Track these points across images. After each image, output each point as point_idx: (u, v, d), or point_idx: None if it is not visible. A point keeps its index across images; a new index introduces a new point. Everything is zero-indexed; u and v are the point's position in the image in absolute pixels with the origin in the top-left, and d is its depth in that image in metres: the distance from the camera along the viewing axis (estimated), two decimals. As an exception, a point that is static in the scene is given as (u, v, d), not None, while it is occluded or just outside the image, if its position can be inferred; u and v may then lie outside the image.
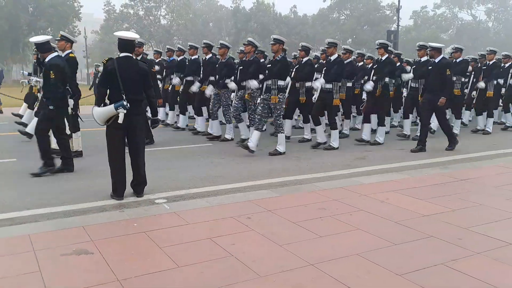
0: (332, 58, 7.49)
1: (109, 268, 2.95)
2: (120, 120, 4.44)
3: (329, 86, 7.41)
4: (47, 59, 5.64)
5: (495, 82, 9.71)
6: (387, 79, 8.17)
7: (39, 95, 6.92)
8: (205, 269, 2.95)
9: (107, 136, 4.62)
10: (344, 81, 8.48)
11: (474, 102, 10.03)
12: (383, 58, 8.10)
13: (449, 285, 2.76)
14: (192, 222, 3.83)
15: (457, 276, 2.86)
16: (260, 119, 7.12)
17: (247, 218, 3.92)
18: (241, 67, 7.90)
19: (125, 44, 4.66)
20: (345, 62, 8.09)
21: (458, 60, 9.23)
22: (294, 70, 8.35)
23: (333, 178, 5.56)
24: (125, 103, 4.44)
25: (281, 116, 7.24)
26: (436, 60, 7.29)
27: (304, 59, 8.27)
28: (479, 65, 10.23)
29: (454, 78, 8.56)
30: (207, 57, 8.84)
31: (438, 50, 7.34)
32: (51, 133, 5.93)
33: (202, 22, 52.00)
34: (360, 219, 3.93)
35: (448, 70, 7.14)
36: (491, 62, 9.73)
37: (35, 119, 7.14)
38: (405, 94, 9.63)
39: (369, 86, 8.02)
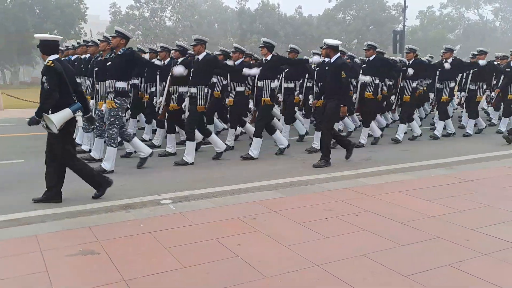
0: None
1: (115, 268, 2.96)
2: (80, 123, 4.40)
3: None
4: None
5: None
6: (377, 81, 8.04)
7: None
8: (210, 269, 2.95)
9: (59, 141, 4.42)
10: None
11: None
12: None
13: (456, 287, 2.74)
14: (197, 223, 3.84)
15: (464, 277, 2.84)
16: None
17: (252, 219, 3.92)
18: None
19: (54, 46, 4.57)
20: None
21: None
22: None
23: (338, 179, 5.55)
24: (80, 105, 4.40)
25: (117, 126, 5.87)
26: (332, 60, 6.39)
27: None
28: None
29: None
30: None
31: (334, 49, 6.41)
32: None
33: (207, 23, 52.16)
34: (365, 220, 3.91)
35: (343, 72, 6.16)
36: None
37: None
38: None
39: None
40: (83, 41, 8.66)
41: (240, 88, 7.56)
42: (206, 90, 6.49)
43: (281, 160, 6.81)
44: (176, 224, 3.83)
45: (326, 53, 6.42)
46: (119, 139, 6.10)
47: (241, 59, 7.88)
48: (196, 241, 3.43)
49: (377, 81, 7.98)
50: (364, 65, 8.25)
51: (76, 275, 2.89)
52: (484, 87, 9.27)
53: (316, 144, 7.39)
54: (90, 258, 3.14)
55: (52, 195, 4.56)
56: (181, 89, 6.68)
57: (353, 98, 8.69)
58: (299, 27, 47.49)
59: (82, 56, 7.89)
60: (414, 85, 8.39)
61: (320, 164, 6.26)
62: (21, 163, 6.56)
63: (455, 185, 5.11)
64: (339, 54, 6.43)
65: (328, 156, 6.34)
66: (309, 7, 54.50)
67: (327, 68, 6.54)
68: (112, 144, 5.83)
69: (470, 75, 9.22)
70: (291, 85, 8.09)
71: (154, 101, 7.78)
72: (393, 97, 8.97)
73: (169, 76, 6.67)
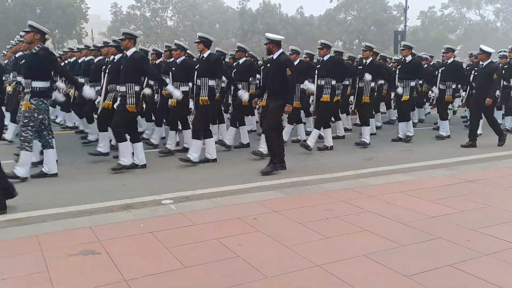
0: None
1: (116, 268, 2.96)
2: None
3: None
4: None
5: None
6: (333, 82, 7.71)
7: None
8: (211, 269, 2.95)
9: None
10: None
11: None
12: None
13: (457, 287, 2.73)
14: (198, 223, 3.83)
15: (466, 278, 2.83)
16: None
17: (254, 219, 3.92)
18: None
19: None
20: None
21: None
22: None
23: (339, 179, 5.54)
24: None
25: (31, 128, 5.36)
26: (274, 56, 5.91)
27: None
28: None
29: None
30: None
31: (277, 43, 5.91)
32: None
33: (209, 23, 52.13)
34: (367, 220, 3.91)
35: (288, 69, 5.71)
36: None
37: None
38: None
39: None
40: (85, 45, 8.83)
41: (184, 88, 7.03)
42: (137, 88, 6.02)
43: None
44: (177, 224, 3.82)
45: (269, 48, 5.91)
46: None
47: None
48: (197, 241, 3.43)
49: (333, 82, 7.43)
50: (319, 66, 7.88)
51: (77, 275, 2.89)
52: (453, 86, 8.87)
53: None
54: (91, 258, 3.13)
55: None
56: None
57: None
58: (300, 27, 47.43)
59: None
60: (372, 85, 8.18)
61: (268, 170, 5.78)
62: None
63: (456, 185, 5.10)
64: (281, 50, 5.92)
65: (276, 160, 5.87)
66: (310, 7, 54.65)
67: (268, 65, 6.13)
68: (26, 148, 5.30)
69: (439, 74, 8.91)
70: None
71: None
72: (351, 98, 8.67)
73: (106, 75, 6.47)
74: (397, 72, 8.64)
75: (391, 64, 11.03)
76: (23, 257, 3.17)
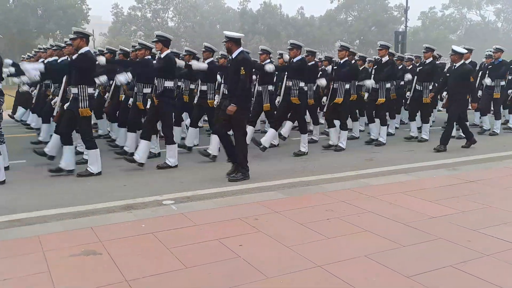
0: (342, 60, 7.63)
1: (117, 269, 2.96)
2: None
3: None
4: None
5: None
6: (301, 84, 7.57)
7: None
8: (212, 270, 2.95)
9: None
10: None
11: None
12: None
13: None
14: (199, 223, 3.84)
15: (467, 278, 2.83)
16: None
17: (254, 220, 3.92)
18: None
19: None
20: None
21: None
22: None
23: (340, 179, 5.54)
24: None
25: None
26: (233, 55, 5.57)
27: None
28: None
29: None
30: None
31: (235, 42, 5.55)
32: None
33: (209, 24, 52.18)
34: (368, 220, 3.91)
35: (242, 69, 5.40)
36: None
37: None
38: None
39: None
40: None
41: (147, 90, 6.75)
42: (91, 90, 5.72)
43: (282, 161, 6.80)
44: (178, 224, 3.83)
45: (228, 47, 5.57)
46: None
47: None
48: (198, 241, 3.43)
49: (301, 84, 7.10)
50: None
51: (78, 276, 2.89)
52: (430, 87, 8.50)
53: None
54: (92, 259, 3.14)
55: None
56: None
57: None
58: (301, 28, 47.48)
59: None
60: (347, 87, 7.70)
61: (237, 178, 5.51)
62: (23, 163, 6.57)
63: (457, 185, 5.10)
64: (241, 49, 5.59)
65: (246, 167, 5.60)
66: (311, 8, 54.56)
67: (229, 64, 5.89)
68: None
69: (416, 75, 8.63)
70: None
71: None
72: (324, 99, 8.11)
73: (65, 76, 6.34)
74: (373, 73, 8.14)
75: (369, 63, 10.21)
76: (25, 257, 3.18)
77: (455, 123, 7.76)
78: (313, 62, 8.09)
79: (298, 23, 48.38)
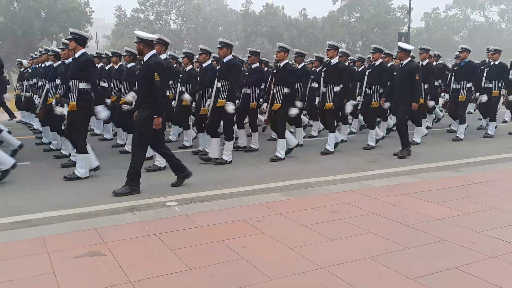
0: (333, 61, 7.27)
1: (121, 270, 2.97)
2: None
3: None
4: None
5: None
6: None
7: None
8: (216, 271, 2.96)
9: None
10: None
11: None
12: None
13: (463, 289, 2.73)
14: (203, 225, 3.84)
15: (471, 280, 2.82)
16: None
17: (258, 221, 3.92)
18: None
19: None
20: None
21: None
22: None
23: (343, 181, 5.54)
24: None
25: None
26: (145, 59, 5.14)
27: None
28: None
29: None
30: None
31: (148, 44, 5.10)
32: None
33: (212, 26, 52.24)
34: (371, 222, 3.90)
35: (156, 74, 4.97)
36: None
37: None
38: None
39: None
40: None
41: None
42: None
43: (286, 163, 6.80)
44: (181, 226, 3.84)
45: (139, 48, 5.13)
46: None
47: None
48: (202, 243, 3.44)
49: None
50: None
51: (83, 277, 2.90)
52: (381, 90, 7.94)
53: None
54: (97, 260, 3.15)
55: None
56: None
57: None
58: (303, 29, 47.43)
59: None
60: (336, 89, 7.24)
61: (124, 192, 4.97)
62: (28, 165, 6.60)
63: (462, 187, 5.08)
64: (154, 51, 5.16)
65: (137, 181, 5.06)
66: (314, 10, 54.41)
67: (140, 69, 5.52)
68: None
69: (366, 78, 8.21)
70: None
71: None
72: (265, 105, 7.41)
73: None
74: (322, 75, 7.52)
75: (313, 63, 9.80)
76: (29, 258, 3.19)
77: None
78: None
79: (301, 25, 48.33)
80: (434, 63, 9.66)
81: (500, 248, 3.31)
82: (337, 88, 7.23)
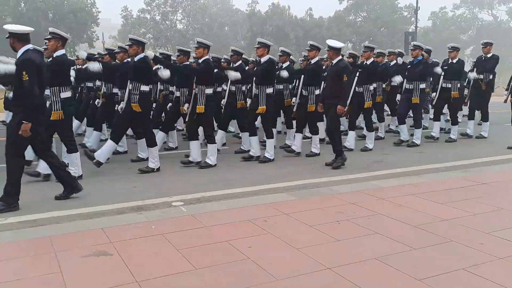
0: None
1: (127, 270, 2.98)
2: None
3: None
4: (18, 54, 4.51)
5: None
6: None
7: None
8: (221, 271, 2.96)
9: None
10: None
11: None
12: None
13: (470, 291, 2.71)
14: (209, 225, 3.85)
15: (479, 281, 2.80)
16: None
17: (264, 221, 3.92)
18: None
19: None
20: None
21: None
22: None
23: (350, 181, 5.52)
24: None
25: None
26: (17, 56, 4.68)
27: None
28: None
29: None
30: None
31: (20, 38, 4.57)
32: None
33: (218, 26, 52.30)
34: (378, 223, 3.89)
35: (24, 73, 4.34)
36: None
37: None
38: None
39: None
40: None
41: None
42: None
43: (292, 163, 6.79)
44: (187, 226, 3.84)
45: (11, 44, 4.60)
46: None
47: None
48: (208, 243, 3.44)
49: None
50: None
51: (89, 276, 2.91)
52: (317, 92, 7.15)
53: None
54: (103, 259, 3.16)
55: None
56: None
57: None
58: (309, 29, 47.34)
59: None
60: (317, 92, 7.06)
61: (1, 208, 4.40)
62: (34, 165, 6.63)
63: (469, 188, 5.05)
64: (28, 46, 4.55)
65: (14, 197, 4.46)
66: (320, 9, 54.23)
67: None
68: None
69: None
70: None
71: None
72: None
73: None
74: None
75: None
76: (37, 258, 3.21)
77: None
78: (288, 63, 7.72)
79: (307, 24, 48.25)
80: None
81: (508, 249, 3.28)
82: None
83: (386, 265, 3.03)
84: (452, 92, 8.47)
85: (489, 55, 8.86)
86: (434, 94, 8.89)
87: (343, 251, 3.29)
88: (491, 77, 8.86)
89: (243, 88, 7.66)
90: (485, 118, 9.06)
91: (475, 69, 8.91)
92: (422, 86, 8.04)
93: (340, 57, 6.37)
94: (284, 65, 7.48)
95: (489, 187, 5.04)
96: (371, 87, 7.93)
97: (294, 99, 7.41)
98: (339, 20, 49.80)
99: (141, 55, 6.04)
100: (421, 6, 30.05)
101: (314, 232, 3.66)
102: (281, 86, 7.63)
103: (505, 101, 8.37)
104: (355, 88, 7.84)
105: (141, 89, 5.97)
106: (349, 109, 7.67)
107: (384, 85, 8.95)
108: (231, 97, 7.56)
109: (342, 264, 3.04)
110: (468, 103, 9.19)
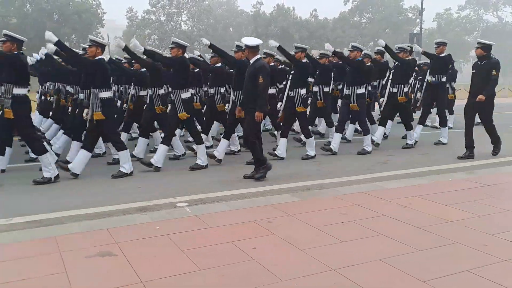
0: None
1: (132, 270, 2.99)
2: None
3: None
4: None
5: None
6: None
7: None
8: (226, 272, 2.96)
9: None
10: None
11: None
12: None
13: (475, 293, 2.70)
14: (213, 226, 3.85)
15: (483, 283, 2.79)
16: None
17: (268, 222, 3.92)
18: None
19: None
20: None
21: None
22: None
23: (354, 182, 5.51)
24: None
25: None
26: None
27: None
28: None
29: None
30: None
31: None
32: None
33: (223, 27, 52.43)
34: (382, 224, 3.88)
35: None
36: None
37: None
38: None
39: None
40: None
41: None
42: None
43: (296, 164, 6.79)
44: (192, 226, 3.85)
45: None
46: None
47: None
48: (212, 243, 3.45)
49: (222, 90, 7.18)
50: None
51: (94, 276, 2.93)
52: (302, 91, 7.02)
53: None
54: (108, 260, 3.18)
55: None
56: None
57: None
58: (314, 30, 47.35)
59: None
60: (302, 92, 6.95)
61: None
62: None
63: (474, 189, 5.03)
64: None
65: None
66: (325, 10, 54.23)
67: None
68: None
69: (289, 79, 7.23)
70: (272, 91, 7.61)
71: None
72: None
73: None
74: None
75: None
76: (42, 258, 3.23)
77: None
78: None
79: (312, 26, 48.25)
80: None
81: (513, 251, 3.27)
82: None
83: (390, 267, 3.02)
84: (398, 97, 7.84)
85: (442, 56, 8.16)
86: (382, 99, 8.27)
87: (347, 252, 3.29)
88: (443, 79, 8.14)
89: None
90: (442, 123, 8.41)
91: (428, 71, 8.37)
92: (360, 91, 7.38)
93: (258, 57, 5.63)
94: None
95: (494, 189, 5.02)
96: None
97: (227, 105, 7.08)
98: (344, 21, 49.77)
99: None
100: (426, 8, 30.01)
101: (318, 233, 3.66)
102: (212, 90, 7.41)
103: None
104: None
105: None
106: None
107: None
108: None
109: (347, 265, 3.04)
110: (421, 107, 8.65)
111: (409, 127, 8.10)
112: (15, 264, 3.14)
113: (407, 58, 7.88)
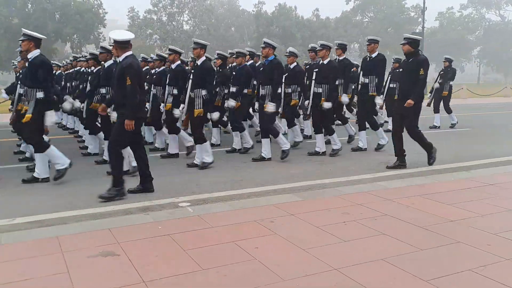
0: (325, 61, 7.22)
1: (135, 270, 3.00)
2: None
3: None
4: None
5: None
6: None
7: None
8: (228, 272, 2.96)
9: None
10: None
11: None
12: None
13: (478, 292, 2.69)
14: (215, 226, 3.85)
15: (486, 282, 2.78)
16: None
17: (270, 222, 3.92)
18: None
19: None
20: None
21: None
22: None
23: (356, 182, 5.51)
24: None
25: None
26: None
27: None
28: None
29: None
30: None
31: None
32: None
33: (224, 27, 52.49)
34: (385, 224, 3.88)
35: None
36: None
37: None
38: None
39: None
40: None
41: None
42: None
43: (298, 164, 6.79)
44: (194, 226, 3.85)
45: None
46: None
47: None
48: (214, 243, 3.45)
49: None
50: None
51: (97, 276, 2.93)
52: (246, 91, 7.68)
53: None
54: (110, 260, 3.18)
55: None
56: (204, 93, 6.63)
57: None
58: (316, 29, 47.33)
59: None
60: (289, 91, 7.63)
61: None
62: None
63: (476, 189, 5.02)
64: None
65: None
66: (326, 10, 54.14)
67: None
68: None
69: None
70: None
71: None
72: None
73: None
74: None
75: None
76: (44, 258, 3.24)
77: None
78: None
79: (314, 25, 48.23)
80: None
81: (516, 251, 3.26)
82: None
83: (393, 266, 3.02)
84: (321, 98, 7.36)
85: (374, 55, 7.54)
86: (307, 102, 7.49)
87: (349, 252, 3.28)
88: (376, 80, 7.50)
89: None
90: (374, 126, 7.86)
91: (361, 72, 7.72)
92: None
93: (128, 53, 4.86)
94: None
95: (496, 188, 5.01)
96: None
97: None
98: (346, 20, 49.75)
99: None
100: (428, 7, 29.97)
101: (320, 233, 3.66)
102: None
103: None
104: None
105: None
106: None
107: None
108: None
109: (349, 265, 3.04)
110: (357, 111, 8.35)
111: (363, 127, 7.78)
112: (17, 264, 3.15)
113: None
